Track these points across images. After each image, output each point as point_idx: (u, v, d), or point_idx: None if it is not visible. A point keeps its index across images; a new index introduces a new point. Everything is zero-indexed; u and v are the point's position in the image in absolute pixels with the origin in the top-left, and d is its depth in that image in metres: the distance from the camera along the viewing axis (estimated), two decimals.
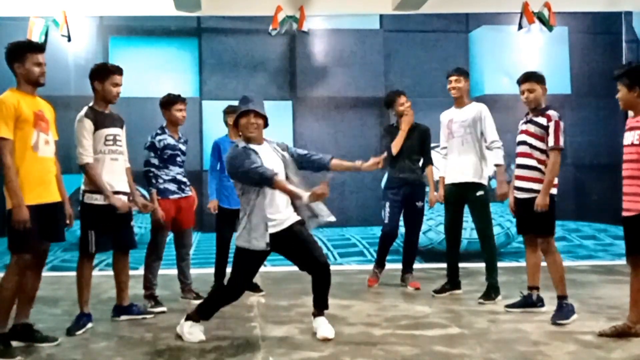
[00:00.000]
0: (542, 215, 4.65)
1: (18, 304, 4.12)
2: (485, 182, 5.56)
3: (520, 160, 4.86)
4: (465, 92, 5.61)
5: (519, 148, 4.89)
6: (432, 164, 6.21)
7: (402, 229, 6.34)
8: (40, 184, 4.01)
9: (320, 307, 4.40)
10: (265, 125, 4.34)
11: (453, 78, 5.60)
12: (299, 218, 4.29)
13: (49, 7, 7.52)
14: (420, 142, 6.14)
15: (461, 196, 5.58)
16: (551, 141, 4.70)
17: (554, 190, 4.76)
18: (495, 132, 5.54)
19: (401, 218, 6.22)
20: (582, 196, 7.52)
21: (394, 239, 6.28)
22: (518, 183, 4.87)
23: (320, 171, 4.42)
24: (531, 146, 4.78)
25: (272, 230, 4.16)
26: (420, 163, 6.22)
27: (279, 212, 4.21)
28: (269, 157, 4.24)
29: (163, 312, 5.11)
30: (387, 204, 6.12)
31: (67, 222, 4.34)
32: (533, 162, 4.77)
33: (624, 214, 4.14)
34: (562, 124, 4.74)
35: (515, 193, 4.92)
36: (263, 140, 4.34)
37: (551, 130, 4.70)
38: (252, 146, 4.22)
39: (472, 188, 5.51)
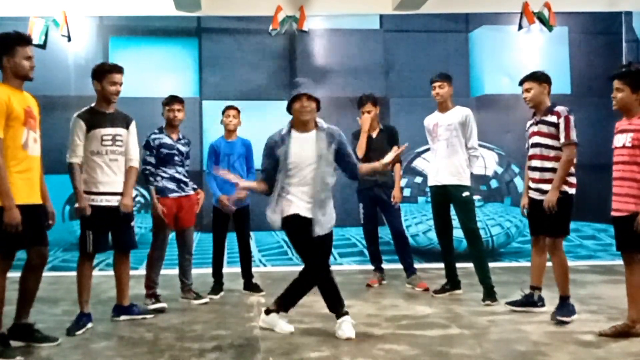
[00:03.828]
0: (557, 215, 4.64)
1: (18, 304, 4.11)
2: (469, 183, 5.61)
3: (535, 163, 4.85)
4: (448, 96, 5.68)
5: (532, 150, 4.88)
6: (400, 163, 6.33)
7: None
8: (28, 184, 3.94)
9: (331, 310, 4.43)
10: (318, 108, 4.40)
11: (437, 84, 5.66)
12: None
13: (49, 7, 7.53)
14: (390, 143, 6.21)
15: (447, 197, 5.63)
16: (562, 138, 4.69)
17: (572, 191, 4.75)
18: (476, 140, 5.65)
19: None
20: (582, 196, 7.49)
21: (376, 237, 6.41)
22: (533, 185, 4.86)
23: (349, 176, 4.61)
24: (546, 147, 4.77)
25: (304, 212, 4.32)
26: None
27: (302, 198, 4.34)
28: (303, 148, 4.32)
29: (163, 310, 5.12)
30: (361, 206, 6.33)
31: (50, 221, 4.27)
32: (549, 164, 4.76)
33: (615, 213, 4.20)
34: (572, 118, 4.72)
35: (530, 194, 4.91)
36: (312, 128, 4.38)
37: (562, 127, 4.69)
38: (292, 134, 4.35)
39: (458, 189, 5.55)
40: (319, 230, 4.30)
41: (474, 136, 5.62)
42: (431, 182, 5.77)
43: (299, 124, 4.37)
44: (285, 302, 4.51)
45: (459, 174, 5.56)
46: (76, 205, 4.58)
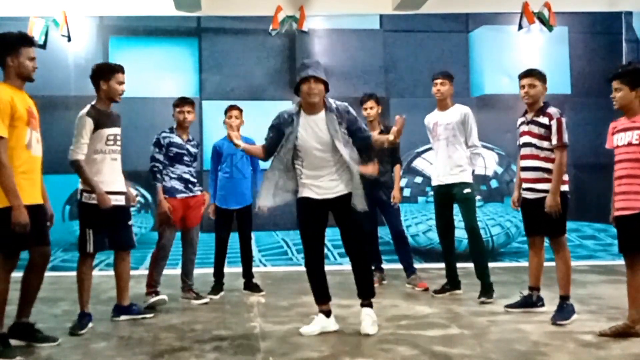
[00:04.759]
0: (554, 215, 4.65)
1: (20, 303, 4.12)
2: (471, 180, 5.60)
3: (526, 163, 4.84)
4: (448, 95, 5.67)
5: (523, 150, 4.88)
6: (400, 163, 6.33)
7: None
8: (31, 184, 3.94)
9: (360, 295, 4.47)
10: (327, 90, 4.39)
11: (438, 81, 5.66)
12: (341, 193, 4.41)
13: (49, 7, 7.53)
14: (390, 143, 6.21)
15: (449, 196, 5.62)
16: (554, 140, 4.68)
17: (565, 187, 4.74)
18: (477, 137, 5.65)
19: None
20: (582, 196, 7.52)
21: (376, 237, 6.42)
22: (526, 185, 4.86)
23: (362, 149, 4.53)
24: (536, 147, 4.77)
25: (313, 195, 4.36)
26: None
27: (314, 179, 4.38)
28: (311, 131, 4.33)
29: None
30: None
31: (48, 223, 4.25)
32: (540, 163, 4.76)
33: (622, 212, 4.14)
34: (564, 120, 4.72)
35: (523, 194, 4.91)
36: (321, 109, 4.37)
37: (554, 129, 4.69)
38: (302, 115, 4.35)
39: (460, 187, 5.55)
40: (315, 194, 4.37)
41: (474, 134, 5.61)
42: (434, 182, 5.77)
43: (307, 106, 4.37)
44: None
45: (459, 172, 5.55)
46: (96, 200, 4.53)
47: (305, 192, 4.40)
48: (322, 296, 4.48)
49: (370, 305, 4.46)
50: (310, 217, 4.41)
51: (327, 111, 4.37)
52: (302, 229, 4.47)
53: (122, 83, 4.69)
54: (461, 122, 5.57)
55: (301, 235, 4.50)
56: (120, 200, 4.70)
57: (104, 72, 4.68)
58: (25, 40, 4.03)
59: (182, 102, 5.57)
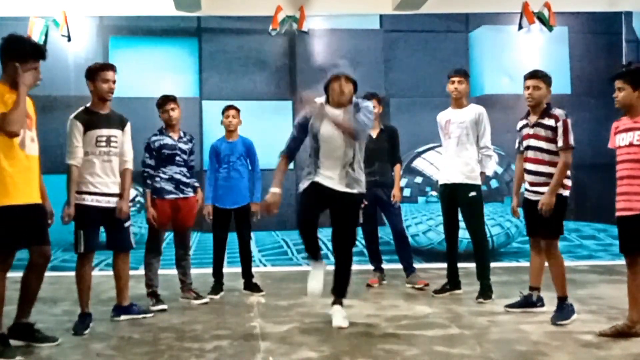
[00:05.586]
0: (550, 217, 4.62)
1: (19, 303, 4.11)
2: (479, 182, 5.55)
3: (530, 166, 4.82)
4: (465, 93, 5.61)
5: (528, 153, 4.84)
6: (400, 163, 6.33)
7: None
8: (28, 183, 3.94)
9: (334, 291, 4.61)
10: (355, 90, 4.58)
11: (455, 79, 5.58)
12: (348, 190, 4.55)
13: (49, 7, 7.53)
14: (390, 143, 6.22)
15: (454, 196, 5.58)
16: (560, 142, 4.66)
17: (566, 192, 4.73)
18: (490, 139, 5.59)
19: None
20: (582, 196, 7.52)
21: (376, 237, 6.42)
22: (530, 187, 4.84)
23: None
24: (541, 150, 4.75)
25: (323, 182, 4.52)
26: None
27: (328, 170, 4.54)
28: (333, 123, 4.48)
29: (163, 311, 5.12)
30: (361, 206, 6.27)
31: (49, 221, 4.26)
32: (545, 168, 4.73)
33: (623, 213, 4.15)
34: (569, 122, 4.70)
35: (527, 195, 4.90)
36: (347, 104, 4.54)
37: (560, 131, 4.66)
38: (327, 107, 4.52)
39: (465, 189, 5.50)
40: (327, 183, 4.50)
41: (486, 135, 5.54)
42: (441, 180, 5.73)
43: (334, 103, 4.53)
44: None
45: (467, 172, 5.49)
46: (86, 201, 4.58)
47: (316, 178, 4.54)
48: (315, 249, 4.65)
49: (341, 303, 4.63)
50: (314, 195, 4.52)
51: (353, 105, 4.56)
52: (302, 201, 4.62)
53: (108, 81, 4.65)
54: (475, 121, 5.51)
55: (299, 211, 4.74)
56: (113, 203, 4.69)
57: (90, 73, 4.71)
58: (37, 53, 4.04)
59: (164, 100, 5.47)
